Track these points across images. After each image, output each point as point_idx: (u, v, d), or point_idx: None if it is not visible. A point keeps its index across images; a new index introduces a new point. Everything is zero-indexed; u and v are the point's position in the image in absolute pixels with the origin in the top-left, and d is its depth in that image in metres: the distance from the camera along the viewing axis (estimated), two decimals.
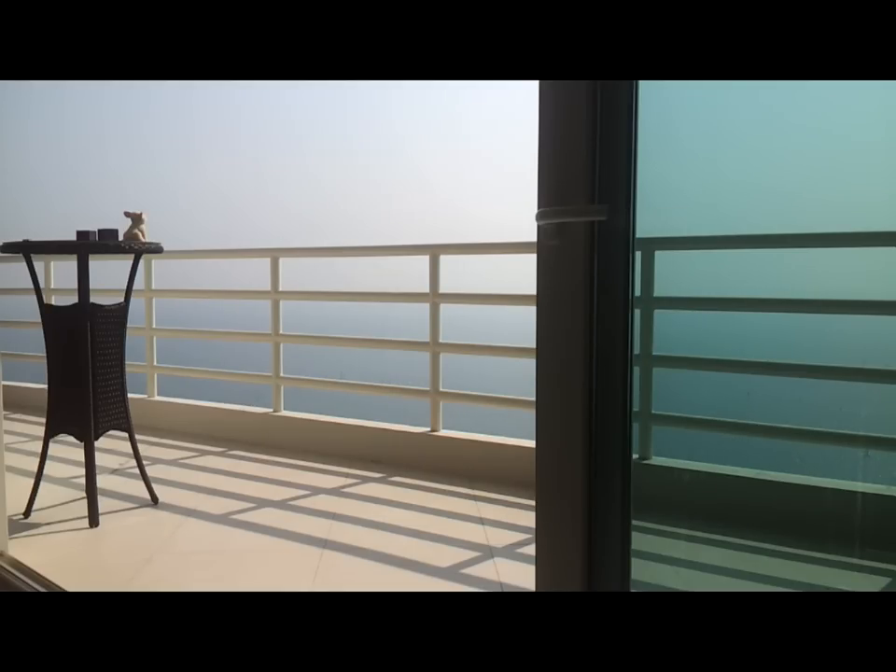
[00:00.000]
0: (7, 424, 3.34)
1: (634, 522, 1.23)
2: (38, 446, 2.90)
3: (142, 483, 3.03)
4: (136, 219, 2.90)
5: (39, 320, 2.91)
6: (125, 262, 3.13)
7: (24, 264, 2.93)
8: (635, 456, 1.27)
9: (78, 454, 2.88)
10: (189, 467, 3.66)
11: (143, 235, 2.91)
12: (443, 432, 3.64)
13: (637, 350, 1.22)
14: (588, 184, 1.16)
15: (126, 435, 2.97)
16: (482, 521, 2.84)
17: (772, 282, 1.26)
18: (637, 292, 1.20)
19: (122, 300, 2.97)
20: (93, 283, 2.87)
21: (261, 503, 3.07)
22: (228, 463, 3.71)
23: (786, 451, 1.44)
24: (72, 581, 2.18)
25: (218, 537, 2.70)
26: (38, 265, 4.11)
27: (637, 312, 1.22)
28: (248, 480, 3.42)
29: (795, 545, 1.33)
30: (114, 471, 3.45)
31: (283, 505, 3.07)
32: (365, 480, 3.40)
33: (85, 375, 2.77)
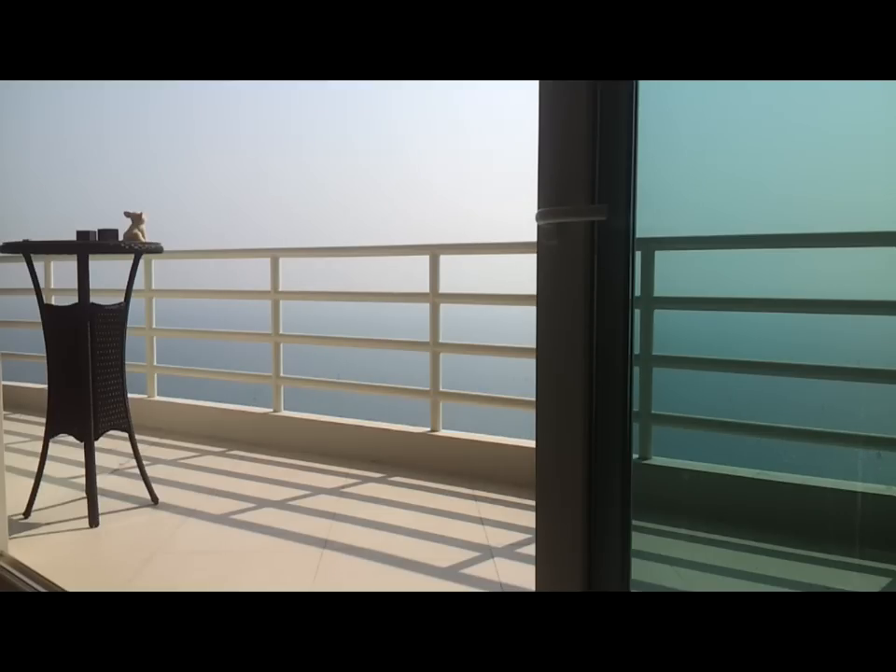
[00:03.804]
0: (7, 424, 3.34)
1: (634, 522, 1.23)
2: (38, 446, 2.90)
3: (142, 483, 3.03)
4: (136, 219, 2.90)
5: (39, 320, 2.91)
6: (125, 262, 3.13)
7: (24, 264, 2.93)
8: (635, 456, 1.27)
9: (78, 454, 2.88)
10: (189, 467, 3.66)
11: (143, 235, 2.91)
12: (443, 432, 3.64)
13: (637, 350, 1.22)
14: (588, 184, 1.16)
15: (126, 435, 2.97)
16: (482, 521, 2.84)
17: (772, 282, 1.26)
18: (637, 292, 1.20)
19: (122, 300, 2.97)
20: (93, 283, 2.87)
21: (261, 503, 3.07)
22: (228, 463, 3.70)
23: (785, 451, 1.44)
24: (72, 581, 2.18)
25: (218, 537, 2.70)
26: (38, 265, 4.11)
27: (637, 312, 1.22)
28: (248, 480, 3.42)
29: (795, 545, 1.33)
30: (114, 471, 3.45)
31: (283, 505, 3.07)
32: (365, 480, 3.40)
33: (85, 375, 2.77)
